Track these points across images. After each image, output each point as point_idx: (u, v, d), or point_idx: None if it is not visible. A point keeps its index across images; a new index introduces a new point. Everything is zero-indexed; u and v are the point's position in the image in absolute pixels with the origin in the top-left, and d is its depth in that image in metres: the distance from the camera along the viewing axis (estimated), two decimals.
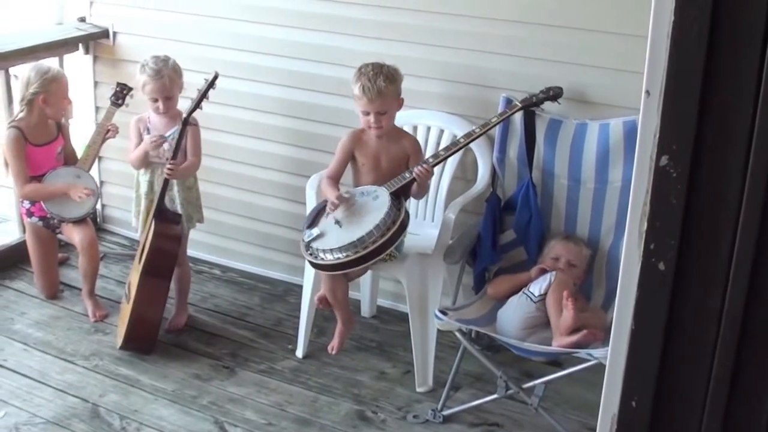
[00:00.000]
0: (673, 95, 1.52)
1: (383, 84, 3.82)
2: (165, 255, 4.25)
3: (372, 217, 3.71)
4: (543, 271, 3.82)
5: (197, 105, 4.12)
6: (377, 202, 3.78)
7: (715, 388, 1.62)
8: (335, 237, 3.74)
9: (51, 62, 4.89)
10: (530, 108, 3.95)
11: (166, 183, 4.22)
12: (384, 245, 3.66)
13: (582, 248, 3.90)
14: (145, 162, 4.36)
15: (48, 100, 4.43)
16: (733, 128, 1.49)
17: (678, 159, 1.54)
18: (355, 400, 4.03)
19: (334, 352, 4.15)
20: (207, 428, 3.80)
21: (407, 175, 3.85)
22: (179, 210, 4.39)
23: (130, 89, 4.60)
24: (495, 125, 3.92)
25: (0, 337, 4.39)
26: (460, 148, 3.94)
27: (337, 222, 3.79)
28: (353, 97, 3.94)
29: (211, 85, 4.08)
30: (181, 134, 4.17)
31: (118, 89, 4.64)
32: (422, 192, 3.97)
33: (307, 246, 3.81)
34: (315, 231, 3.81)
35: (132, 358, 4.26)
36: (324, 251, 3.73)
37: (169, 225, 4.26)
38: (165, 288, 4.29)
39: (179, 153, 4.25)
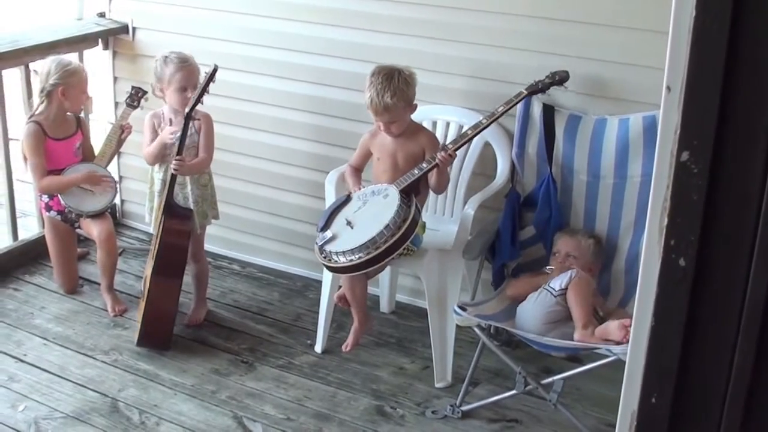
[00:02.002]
0: (694, 91, 1.51)
1: (390, 101, 3.82)
2: (175, 250, 4.24)
3: (382, 216, 3.71)
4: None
5: (198, 99, 4.10)
6: (387, 201, 3.78)
7: (735, 385, 1.61)
8: (347, 239, 3.75)
9: (70, 57, 4.90)
10: (536, 94, 3.94)
11: (173, 179, 4.21)
12: (396, 244, 3.66)
13: (581, 239, 3.90)
14: (160, 157, 4.35)
15: (67, 93, 4.44)
16: (754, 124, 1.48)
17: (699, 155, 1.53)
18: (374, 396, 4.03)
19: (347, 350, 4.15)
20: (226, 423, 3.81)
21: (416, 171, 3.84)
22: (192, 207, 4.39)
23: (145, 92, 4.58)
24: (504, 113, 3.90)
25: (20, 332, 4.41)
26: (485, 128, 3.93)
27: (349, 223, 3.80)
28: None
29: (211, 78, 4.05)
30: (185, 129, 4.17)
31: (132, 92, 4.61)
32: (443, 184, 3.95)
33: (321, 249, 3.82)
34: (327, 234, 3.82)
35: (151, 353, 4.28)
36: (337, 254, 3.73)
37: (178, 220, 4.25)
38: (177, 284, 4.28)
39: (187, 149, 4.24)
